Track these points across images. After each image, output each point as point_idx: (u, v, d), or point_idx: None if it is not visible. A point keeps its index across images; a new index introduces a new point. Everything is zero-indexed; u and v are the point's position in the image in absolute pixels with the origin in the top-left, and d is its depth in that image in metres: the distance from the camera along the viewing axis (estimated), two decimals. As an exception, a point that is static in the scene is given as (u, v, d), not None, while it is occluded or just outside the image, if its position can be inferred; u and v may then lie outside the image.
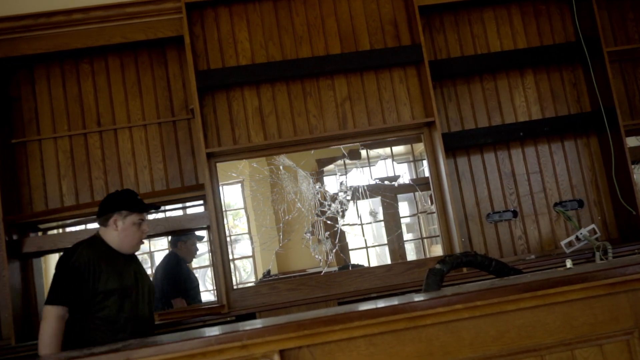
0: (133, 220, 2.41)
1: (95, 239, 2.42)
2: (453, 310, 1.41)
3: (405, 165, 3.60)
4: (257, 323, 1.57)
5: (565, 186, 3.54)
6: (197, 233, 3.52)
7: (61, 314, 2.24)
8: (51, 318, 2.22)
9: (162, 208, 3.47)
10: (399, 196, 3.51)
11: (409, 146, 3.60)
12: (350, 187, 3.46)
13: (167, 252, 3.62)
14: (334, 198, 3.43)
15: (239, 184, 3.44)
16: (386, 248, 3.45)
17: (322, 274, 3.27)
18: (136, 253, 2.54)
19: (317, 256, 3.36)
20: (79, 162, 3.35)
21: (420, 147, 3.51)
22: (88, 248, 2.34)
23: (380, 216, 3.49)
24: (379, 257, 3.46)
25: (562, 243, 3.27)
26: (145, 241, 3.46)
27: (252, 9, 3.46)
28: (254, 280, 3.39)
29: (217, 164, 3.32)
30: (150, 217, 3.46)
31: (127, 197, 2.45)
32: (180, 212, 3.48)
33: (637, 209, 3.32)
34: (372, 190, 3.47)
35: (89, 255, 2.31)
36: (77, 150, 3.36)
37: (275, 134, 3.38)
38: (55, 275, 2.32)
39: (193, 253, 3.60)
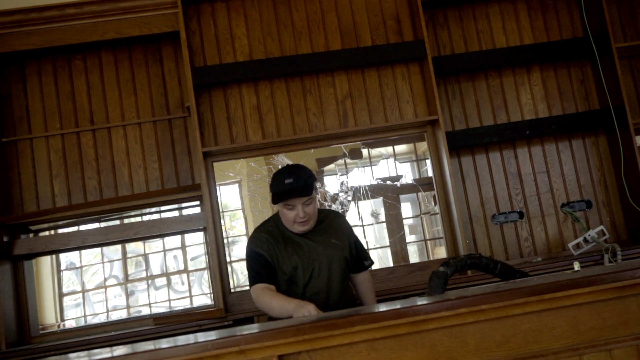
0: (281, 204, 2.35)
1: (277, 220, 2.47)
2: (457, 314, 1.41)
3: (407, 164, 3.60)
4: (255, 327, 1.57)
5: (573, 186, 3.54)
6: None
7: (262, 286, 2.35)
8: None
9: (157, 209, 3.48)
10: (402, 197, 3.51)
11: (411, 145, 3.60)
12: (351, 187, 3.46)
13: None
14: (334, 199, 3.43)
15: (237, 184, 3.44)
16: (388, 250, 3.45)
17: (322, 276, 3.26)
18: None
19: (317, 258, 3.35)
20: (72, 162, 3.35)
21: (423, 146, 3.51)
22: (263, 232, 2.43)
23: (382, 217, 3.49)
24: (381, 259, 3.45)
25: (570, 245, 3.26)
26: (140, 243, 3.50)
27: (250, 4, 3.46)
28: (252, 283, 3.38)
29: (214, 164, 3.32)
30: (145, 218, 3.46)
31: (275, 178, 2.38)
32: (176, 213, 3.48)
33: (647, 210, 3.33)
34: (374, 191, 3.47)
35: (266, 238, 2.39)
36: (70, 149, 3.36)
37: (274, 133, 3.38)
38: None
39: None
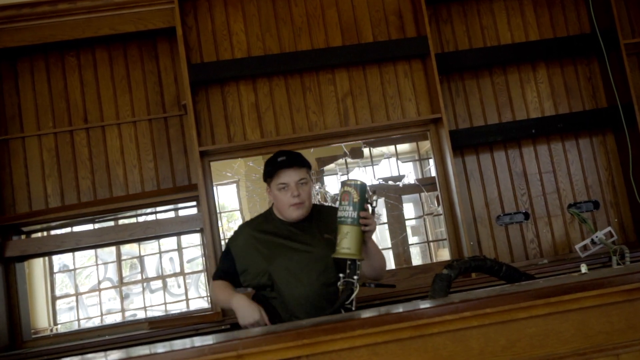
0: (275, 186, 2.33)
1: (268, 213, 2.47)
2: (461, 318, 1.40)
3: (410, 164, 3.60)
4: (253, 332, 1.57)
5: (579, 186, 3.54)
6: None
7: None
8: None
9: (153, 210, 3.48)
10: (404, 197, 3.51)
11: (414, 144, 3.60)
12: (352, 187, 3.45)
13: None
14: (334, 199, 3.43)
15: (234, 184, 3.44)
16: (390, 252, 3.45)
17: (322, 279, 3.26)
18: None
19: (317, 261, 3.35)
20: (65, 161, 3.35)
21: (426, 145, 3.51)
22: (248, 227, 2.44)
23: (384, 218, 3.49)
24: (383, 261, 3.45)
25: (577, 247, 3.26)
26: (135, 245, 3.49)
27: (248, -1, 3.46)
28: (250, 286, 3.38)
29: (211, 163, 3.32)
30: (140, 219, 3.46)
31: (269, 161, 2.37)
32: (172, 214, 3.48)
33: (656, 211, 3.33)
34: (375, 191, 3.47)
35: (246, 236, 2.41)
36: (63, 148, 3.36)
37: (273, 132, 3.38)
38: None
39: None
